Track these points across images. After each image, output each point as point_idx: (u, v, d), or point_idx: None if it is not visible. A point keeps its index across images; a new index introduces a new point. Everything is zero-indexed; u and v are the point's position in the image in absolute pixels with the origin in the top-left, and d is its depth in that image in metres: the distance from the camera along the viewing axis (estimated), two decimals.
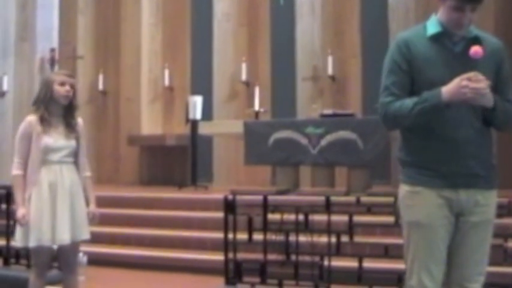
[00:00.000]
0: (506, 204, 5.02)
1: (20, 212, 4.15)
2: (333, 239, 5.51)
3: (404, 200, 3.11)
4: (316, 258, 5.48)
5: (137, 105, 11.47)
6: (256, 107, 10.15)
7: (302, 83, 9.87)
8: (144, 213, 7.84)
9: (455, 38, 3.04)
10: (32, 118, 4.23)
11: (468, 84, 2.86)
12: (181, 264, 6.61)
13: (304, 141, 8.08)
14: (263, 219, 5.71)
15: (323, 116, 8.35)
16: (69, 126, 4.27)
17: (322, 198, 5.64)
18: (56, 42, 12.23)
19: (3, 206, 6.56)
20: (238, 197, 5.81)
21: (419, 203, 3.03)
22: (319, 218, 5.61)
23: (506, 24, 8.58)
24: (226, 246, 5.73)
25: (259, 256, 5.71)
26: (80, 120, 4.38)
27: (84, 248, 5.80)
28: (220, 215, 5.97)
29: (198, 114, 9.79)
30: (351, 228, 5.62)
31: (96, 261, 6.40)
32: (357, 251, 5.67)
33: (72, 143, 4.26)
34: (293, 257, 5.62)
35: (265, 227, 5.68)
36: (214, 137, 10.19)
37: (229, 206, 5.76)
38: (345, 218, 5.65)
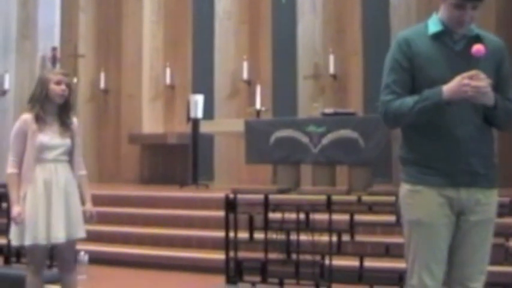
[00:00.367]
0: (508, 203, 5.01)
1: (15, 210, 4.14)
2: (334, 238, 5.51)
3: (405, 198, 3.10)
4: (317, 257, 5.47)
5: (138, 103, 11.47)
6: (258, 105, 10.16)
7: (303, 82, 9.84)
8: (145, 212, 7.82)
9: (457, 36, 3.03)
10: (27, 116, 4.22)
11: (469, 83, 2.85)
12: (182, 263, 6.59)
13: (305, 139, 8.07)
14: (264, 218, 5.70)
15: (324, 114, 8.34)
16: (64, 124, 4.26)
17: (323, 197, 5.64)
18: (58, 40, 12.24)
19: (4, 205, 6.55)
20: (239, 196, 5.81)
21: (420, 201, 3.02)
22: (320, 216, 5.60)
23: (507, 23, 8.56)
24: (227, 245, 5.73)
25: (260, 255, 5.70)
26: (74, 120, 4.38)
27: (85, 246, 5.82)
28: (221, 213, 5.97)
29: (199, 112, 9.78)
30: (352, 227, 5.62)
31: (97, 260, 6.39)
32: (358, 250, 5.67)
33: (67, 141, 4.26)
34: (294, 256, 5.61)
35: (266, 226, 5.68)
36: (215, 136, 10.17)
37: (230, 205, 5.75)
38: (346, 216, 5.65)
